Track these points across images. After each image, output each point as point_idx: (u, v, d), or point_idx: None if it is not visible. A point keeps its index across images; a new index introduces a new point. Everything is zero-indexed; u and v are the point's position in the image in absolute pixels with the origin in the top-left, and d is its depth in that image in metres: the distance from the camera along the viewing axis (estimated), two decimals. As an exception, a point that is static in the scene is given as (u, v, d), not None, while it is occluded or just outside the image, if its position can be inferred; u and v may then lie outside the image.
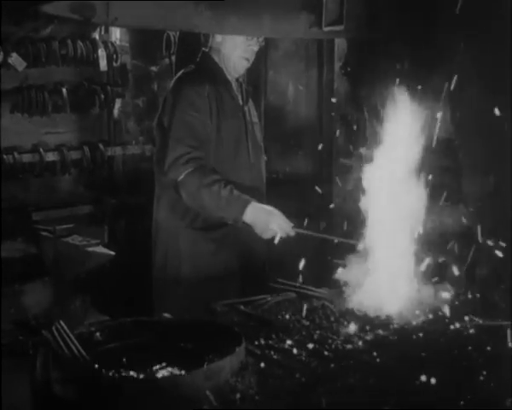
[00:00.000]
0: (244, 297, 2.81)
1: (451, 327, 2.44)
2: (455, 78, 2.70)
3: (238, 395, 1.95)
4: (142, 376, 2.09)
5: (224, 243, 3.30)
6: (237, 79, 3.42)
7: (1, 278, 4.29)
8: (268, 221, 3.11)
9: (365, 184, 2.74)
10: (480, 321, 2.46)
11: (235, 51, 3.27)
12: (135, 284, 4.92)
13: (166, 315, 2.50)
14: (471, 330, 2.41)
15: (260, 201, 3.35)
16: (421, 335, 2.39)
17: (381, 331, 2.42)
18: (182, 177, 3.13)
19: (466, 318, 2.49)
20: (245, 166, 3.33)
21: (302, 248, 3.72)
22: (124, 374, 2.11)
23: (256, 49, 3.31)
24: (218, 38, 3.29)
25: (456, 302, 2.64)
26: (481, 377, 2.04)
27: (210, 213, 3.18)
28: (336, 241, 3.05)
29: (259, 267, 3.45)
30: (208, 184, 3.10)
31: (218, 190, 3.09)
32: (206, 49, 3.36)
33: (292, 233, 3.12)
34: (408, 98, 2.67)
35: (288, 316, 2.59)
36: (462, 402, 1.91)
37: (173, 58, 5.29)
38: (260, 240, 3.35)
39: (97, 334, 2.29)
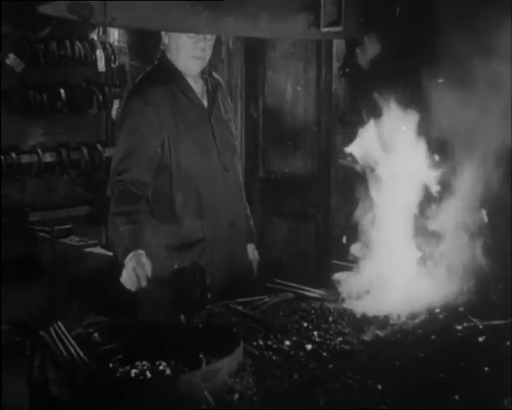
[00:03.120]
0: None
1: (450, 327, 2.44)
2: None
3: (236, 396, 1.95)
4: (139, 377, 2.09)
5: (200, 260, 3.02)
6: (202, 76, 3.19)
7: (1, 278, 4.30)
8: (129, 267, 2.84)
9: (366, 186, 2.76)
10: (478, 321, 2.46)
11: (182, 52, 3.07)
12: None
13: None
14: (469, 330, 2.41)
15: (238, 205, 3.26)
16: (419, 335, 2.38)
17: (379, 332, 2.42)
18: (113, 192, 3.09)
19: (465, 318, 2.49)
20: (218, 176, 3.14)
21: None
22: (121, 375, 2.11)
23: (205, 45, 3.07)
24: (165, 39, 3.11)
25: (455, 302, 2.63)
26: (480, 378, 2.04)
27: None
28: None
29: (243, 279, 3.27)
30: (116, 213, 2.98)
31: (118, 225, 2.93)
32: (163, 47, 3.16)
33: (133, 288, 2.86)
34: (404, 99, 2.68)
35: (285, 317, 2.59)
36: (461, 402, 1.91)
37: (171, 59, 5.30)
38: (244, 251, 3.31)
39: (95, 335, 2.29)
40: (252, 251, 3.41)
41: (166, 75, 3.12)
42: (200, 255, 3.09)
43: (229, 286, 3.14)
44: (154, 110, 3.04)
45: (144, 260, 2.83)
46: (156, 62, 3.20)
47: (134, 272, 2.80)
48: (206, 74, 3.20)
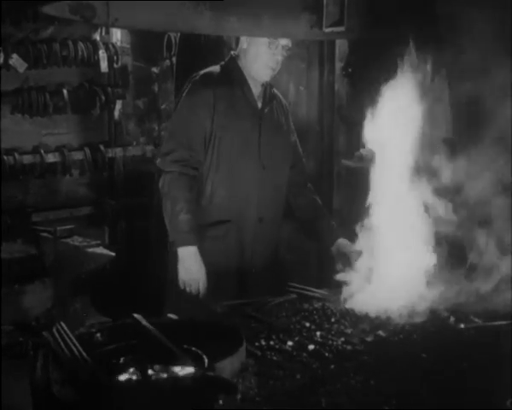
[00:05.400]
0: (245, 297, 2.81)
1: (452, 328, 2.44)
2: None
3: (239, 396, 1.95)
4: (141, 377, 2.09)
5: (223, 242, 3.32)
6: (262, 84, 3.40)
7: (1, 278, 4.30)
8: (190, 272, 3.19)
9: (367, 184, 2.76)
10: (481, 322, 2.46)
11: (258, 59, 3.28)
12: (135, 285, 4.92)
13: (171, 316, 2.51)
14: (471, 331, 2.41)
15: (272, 202, 3.41)
16: (421, 335, 2.38)
17: (381, 332, 2.42)
18: (167, 170, 3.25)
19: (466, 318, 2.49)
20: (254, 170, 3.34)
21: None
22: (124, 375, 2.11)
23: (280, 58, 3.30)
24: (244, 44, 3.31)
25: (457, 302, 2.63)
26: (482, 378, 2.04)
27: (164, 215, 3.26)
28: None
29: (265, 268, 3.42)
30: (177, 197, 3.19)
31: (179, 211, 3.17)
32: (236, 53, 3.38)
33: (199, 293, 3.18)
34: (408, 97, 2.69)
35: (288, 317, 2.59)
36: (463, 403, 1.91)
37: (174, 59, 5.31)
38: (269, 248, 3.44)
39: (98, 335, 2.29)
40: (345, 243, 3.39)
41: (230, 75, 3.35)
42: (225, 236, 3.31)
43: (246, 274, 3.32)
44: (211, 92, 3.26)
45: (201, 263, 3.17)
46: (223, 64, 3.41)
47: (195, 283, 3.17)
48: (266, 84, 3.41)
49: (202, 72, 3.40)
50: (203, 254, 3.24)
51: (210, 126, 3.27)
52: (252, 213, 3.35)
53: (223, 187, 3.31)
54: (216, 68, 3.41)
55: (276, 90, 3.52)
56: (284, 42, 3.28)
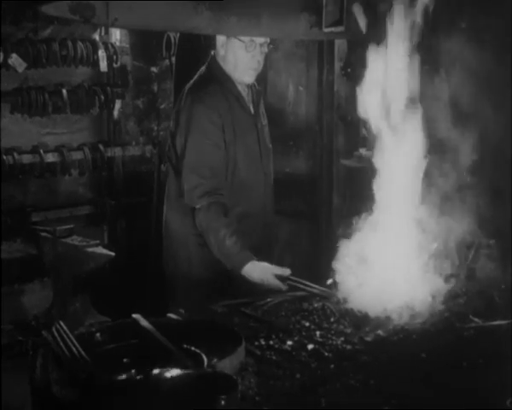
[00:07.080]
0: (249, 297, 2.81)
1: (452, 327, 2.44)
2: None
3: (238, 396, 1.95)
4: (141, 377, 2.09)
5: None
6: (248, 84, 3.35)
7: (1, 278, 4.31)
8: (263, 279, 3.06)
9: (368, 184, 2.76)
10: (480, 322, 2.46)
11: (239, 64, 3.22)
12: (134, 285, 4.93)
13: (171, 315, 2.51)
14: (471, 331, 2.41)
15: (272, 207, 3.44)
16: (421, 335, 2.38)
17: (381, 332, 2.42)
18: (198, 207, 3.16)
19: (466, 318, 2.49)
20: (260, 177, 3.35)
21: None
22: (123, 375, 2.11)
23: (260, 58, 3.23)
24: (221, 51, 3.23)
25: (457, 302, 2.63)
26: (482, 378, 2.04)
27: (212, 251, 3.18)
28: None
29: None
30: (216, 227, 3.11)
31: (223, 239, 3.09)
32: (214, 53, 3.29)
33: (283, 288, 3.03)
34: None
35: (287, 317, 2.59)
36: (463, 403, 1.91)
37: (173, 59, 5.32)
38: (271, 253, 3.45)
39: (97, 335, 2.29)
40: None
41: (220, 80, 3.26)
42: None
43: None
44: (217, 113, 3.18)
45: (265, 264, 3.03)
46: (206, 66, 3.32)
47: (273, 281, 2.98)
48: (251, 84, 3.36)
49: (195, 88, 3.26)
50: (213, 260, 3.21)
51: (223, 146, 3.20)
52: (260, 221, 3.36)
53: (234, 200, 3.24)
54: (204, 77, 3.30)
55: (256, 84, 3.43)
56: (261, 40, 3.18)
